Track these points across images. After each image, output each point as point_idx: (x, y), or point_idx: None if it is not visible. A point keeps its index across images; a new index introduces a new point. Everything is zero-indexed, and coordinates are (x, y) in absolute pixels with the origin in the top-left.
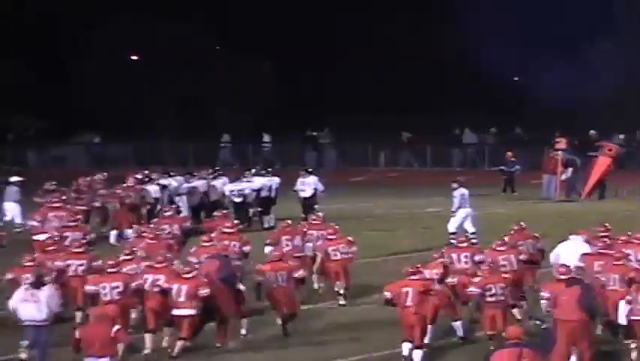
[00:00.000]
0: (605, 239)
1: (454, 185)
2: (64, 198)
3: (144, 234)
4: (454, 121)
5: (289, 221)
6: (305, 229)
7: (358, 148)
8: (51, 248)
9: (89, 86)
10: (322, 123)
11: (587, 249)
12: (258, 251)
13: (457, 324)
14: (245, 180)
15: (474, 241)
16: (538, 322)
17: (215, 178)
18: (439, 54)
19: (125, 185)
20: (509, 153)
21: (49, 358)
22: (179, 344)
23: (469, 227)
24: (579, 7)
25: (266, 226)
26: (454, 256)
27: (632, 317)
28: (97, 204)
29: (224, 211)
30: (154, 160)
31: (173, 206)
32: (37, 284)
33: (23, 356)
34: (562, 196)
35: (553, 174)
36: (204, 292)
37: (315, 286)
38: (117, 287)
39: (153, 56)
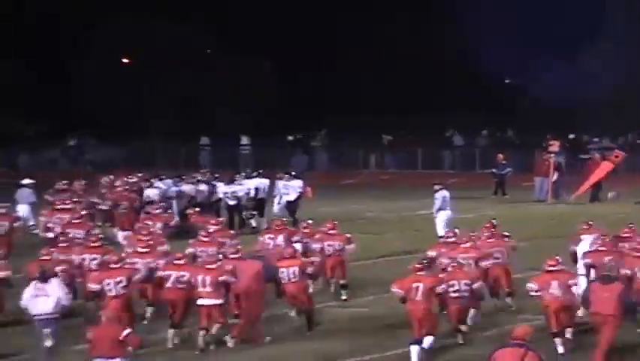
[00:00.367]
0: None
1: (436, 187)
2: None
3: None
4: (454, 121)
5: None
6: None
7: (349, 151)
8: (62, 245)
9: (88, 87)
10: (322, 124)
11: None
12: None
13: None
14: (236, 182)
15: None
16: None
17: (200, 182)
18: (439, 54)
19: (120, 188)
20: (500, 156)
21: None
22: (201, 334)
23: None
24: (579, 7)
25: (261, 228)
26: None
27: None
28: (103, 207)
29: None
30: (147, 162)
31: (162, 204)
32: (44, 278)
33: (49, 343)
34: (553, 199)
35: (545, 176)
36: (224, 278)
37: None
38: (121, 282)
39: (153, 56)
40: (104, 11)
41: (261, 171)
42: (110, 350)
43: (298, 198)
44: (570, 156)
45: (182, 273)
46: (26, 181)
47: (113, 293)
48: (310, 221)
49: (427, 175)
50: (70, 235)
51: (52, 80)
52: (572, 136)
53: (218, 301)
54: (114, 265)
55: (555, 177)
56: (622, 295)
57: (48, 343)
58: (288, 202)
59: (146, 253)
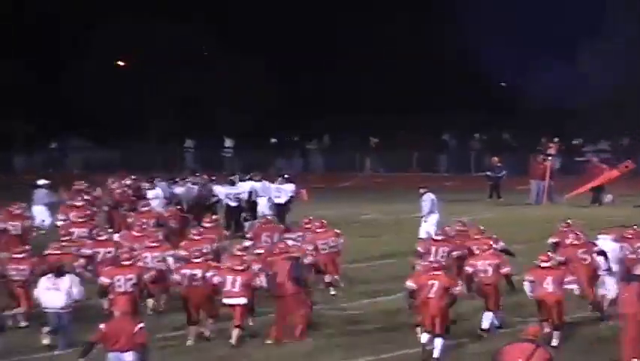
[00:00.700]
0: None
1: (422, 190)
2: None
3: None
4: (454, 122)
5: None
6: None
7: (345, 153)
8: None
9: (88, 87)
10: (322, 126)
11: (615, 247)
12: None
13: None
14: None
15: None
16: None
17: (195, 184)
18: (439, 54)
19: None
20: (495, 159)
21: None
22: (236, 332)
23: (423, 233)
24: (579, 7)
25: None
26: (433, 249)
27: None
28: (104, 207)
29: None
30: (143, 165)
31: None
32: (59, 273)
33: (45, 341)
34: (548, 202)
35: (541, 179)
36: (258, 283)
37: None
38: (131, 279)
39: (153, 56)
40: (104, 11)
41: (253, 173)
42: (124, 344)
43: (289, 201)
44: (566, 159)
45: (194, 271)
46: (42, 182)
47: (122, 290)
48: (311, 218)
49: (423, 178)
50: (75, 235)
51: (52, 80)
52: (577, 141)
53: (244, 301)
54: (126, 262)
55: (547, 180)
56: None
57: (45, 341)
58: (278, 205)
59: (155, 247)
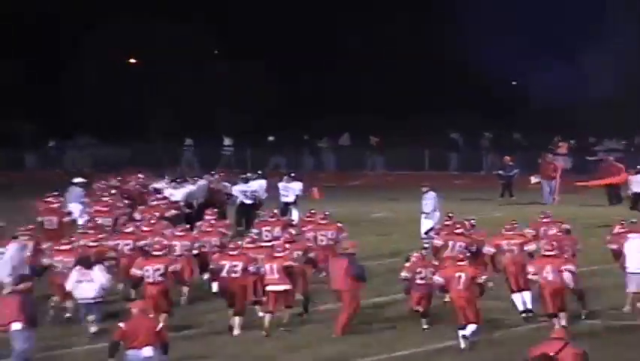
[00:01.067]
0: None
1: (425, 188)
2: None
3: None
4: (454, 122)
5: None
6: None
7: (356, 152)
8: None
9: (88, 87)
10: (322, 124)
11: None
12: None
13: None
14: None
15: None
16: None
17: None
18: (439, 54)
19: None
20: (507, 158)
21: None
22: (267, 317)
23: (424, 230)
24: (579, 7)
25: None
26: (451, 243)
27: None
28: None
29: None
30: (148, 162)
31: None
32: (88, 264)
33: (93, 329)
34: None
35: (551, 179)
36: (288, 263)
37: None
38: (158, 270)
39: (153, 56)
40: (104, 11)
41: (260, 172)
42: (143, 341)
43: (295, 200)
44: (576, 159)
45: (234, 263)
46: (77, 180)
47: (151, 280)
48: (313, 211)
49: (433, 177)
50: (99, 222)
51: (52, 80)
52: (593, 140)
53: (286, 287)
54: (156, 253)
55: (558, 179)
56: None
57: (92, 329)
58: (285, 204)
59: (182, 236)
